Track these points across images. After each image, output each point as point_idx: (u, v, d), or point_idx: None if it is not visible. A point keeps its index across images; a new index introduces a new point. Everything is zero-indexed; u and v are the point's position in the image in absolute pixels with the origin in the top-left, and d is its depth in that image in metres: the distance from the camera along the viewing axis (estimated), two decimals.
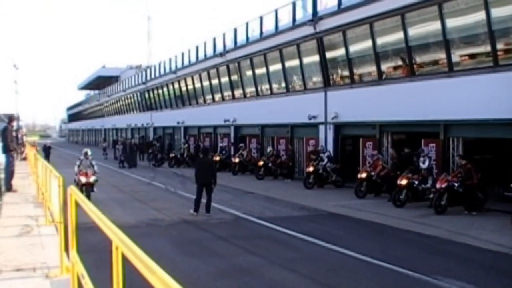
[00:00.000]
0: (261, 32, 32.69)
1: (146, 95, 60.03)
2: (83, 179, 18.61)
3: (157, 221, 15.83)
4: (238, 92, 37.39)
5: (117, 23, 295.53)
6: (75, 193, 5.35)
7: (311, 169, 24.68)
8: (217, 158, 32.69)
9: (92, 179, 18.81)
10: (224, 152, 35.69)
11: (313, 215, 17.43)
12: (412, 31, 21.25)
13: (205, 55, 41.48)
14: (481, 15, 17.97)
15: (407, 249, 12.48)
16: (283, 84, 31.30)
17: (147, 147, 46.34)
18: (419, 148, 19.72)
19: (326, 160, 24.70)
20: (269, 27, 31.89)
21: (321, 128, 27.40)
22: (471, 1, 18.54)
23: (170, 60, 50.53)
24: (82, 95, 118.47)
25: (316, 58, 27.52)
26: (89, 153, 19.46)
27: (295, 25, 28.74)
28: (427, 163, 18.76)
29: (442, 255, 11.73)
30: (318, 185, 24.42)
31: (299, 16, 28.87)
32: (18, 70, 57.92)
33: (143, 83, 59.48)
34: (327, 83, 27.01)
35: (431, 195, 17.81)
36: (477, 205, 17.15)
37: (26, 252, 7.72)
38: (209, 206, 16.69)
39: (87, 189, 18.37)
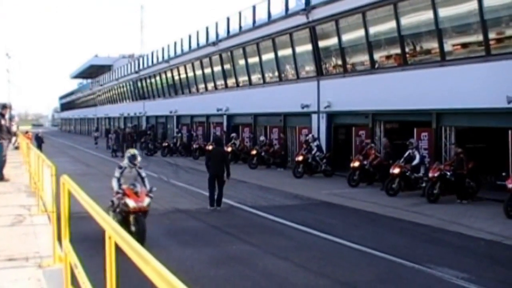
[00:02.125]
0: (254, 21, 32.56)
1: (139, 84, 59.79)
2: (131, 204, 10.63)
3: (150, 210, 15.75)
4: (230, 81, 37.29)
5: (110, 12, 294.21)
6: (67, 182, 5.32)
7: (300, 158, 24.66)
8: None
9: (146, 202, 10.91)
10: None
11: (306, 204, 17.47)
12: (405, 21, 21.22)
13: (198, 44, 41.28)
14: (473, 4, 17.96)
15: (400, 238, 12.54)
16: (276, 73, 31.24)
17: (139, 136, 46.13)
18: (409, 139, 19.56)
19: (315, 149, 24.71)
20: (261, 16, 31.78)
21: (314, 117, 27.38)
22: None
23: (162, 49, 50.27)
24: (74, 84, 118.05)
25: (308, 47, 27.46)
26: (138, 157, 11.58)
27: (287, 14, 28.64)
28: (417, 157, 18.70)
29: (435, 244, 11.80)
30: (309, 174, 24.41)
31: (292, 5, 28.79)
32: (11, 59, 57.51)
33: (136, 72, 59.21)
34: (320, 72, 26.97)
35: (424, 184, 17.87)
36: (469, 194, 17.22)
37: (19, 241, 7.69)
38: (220, 200, 15.84)
39: (138, 219, 10.56)
